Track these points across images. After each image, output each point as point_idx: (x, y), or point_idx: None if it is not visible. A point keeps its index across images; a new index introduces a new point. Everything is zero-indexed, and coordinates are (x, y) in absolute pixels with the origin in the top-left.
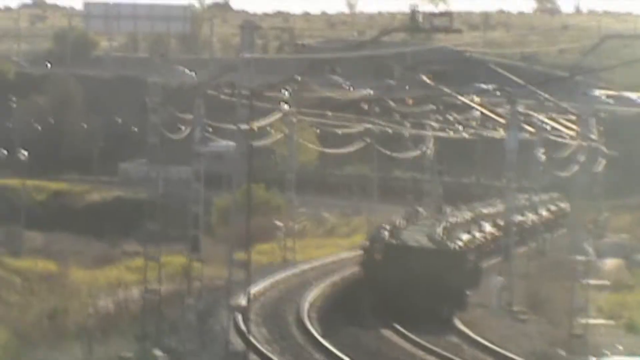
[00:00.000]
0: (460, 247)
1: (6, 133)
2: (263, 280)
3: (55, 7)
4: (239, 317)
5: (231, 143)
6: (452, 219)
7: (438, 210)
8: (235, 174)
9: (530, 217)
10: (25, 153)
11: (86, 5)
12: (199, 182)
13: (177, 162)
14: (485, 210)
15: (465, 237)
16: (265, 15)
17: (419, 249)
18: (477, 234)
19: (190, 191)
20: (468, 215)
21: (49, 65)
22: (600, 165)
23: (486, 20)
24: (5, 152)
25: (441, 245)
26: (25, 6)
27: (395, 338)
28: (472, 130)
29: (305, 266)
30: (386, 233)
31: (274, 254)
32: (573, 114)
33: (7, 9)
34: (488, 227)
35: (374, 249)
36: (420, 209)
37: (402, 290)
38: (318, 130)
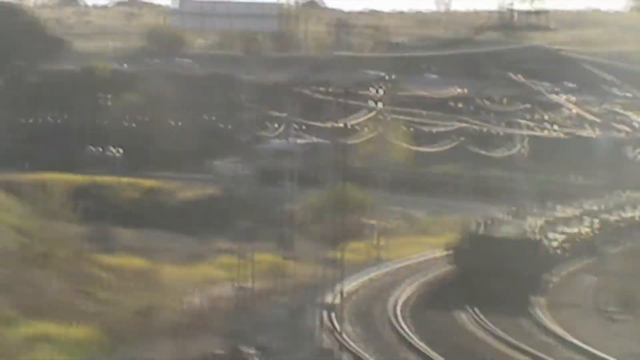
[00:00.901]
0: (544, 238)
1: (101, 130)
2: (355, 278)
3: (150, 5)
4: (331, 316)
5: (292, 140)
6: (547, 216)
7: (535, 208)
8: (329, 172)
9: (626, 215)
10: (120, 150)
11: (181, 2)
12: (292, 181)
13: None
14: (578, 209)
15: (559, 234)
16: (359, 13)
17: (504, 240)
18: (571, 231)
19: (282, 189)
20: (563, 213)
21: (144, 62)
22: None
23: (580, 19)
24: (99, 149)
25: (527, 236)
26: (119, 4)
27: (489, 339)
28: (566, 130)
29: (398, 265)
30: (478, 227)
31: (366, 253)
32: None
33: (103, 7)
34: (582, 226)
35: (465, 243)
36: (520, 207)
37: (491, 281)
38: (411, 129)
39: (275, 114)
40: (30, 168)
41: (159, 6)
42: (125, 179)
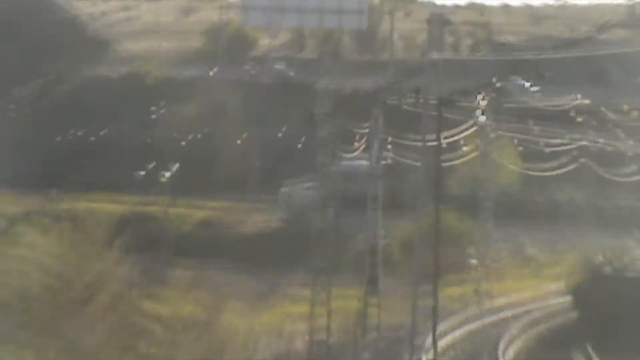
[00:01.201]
0: None
1: (148, 148)
2: (452, 329)
3: None
4: None
5: (363, 162)
6: None
7: None
8: (420, 198)
9: None
10: (167, 174)
11: None
12: (376, 209)
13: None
14: None
15: None
16: (457, 7)
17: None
18: None
19: (364, 219)
20: None
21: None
22: None
23: None
24: (146, 171)
25: None
26: None
27: None
28: None
29: (505, 313)
30: (604, 264)
31: (467, 298)
32: None
33: (154, 1)
34: None
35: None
36: None
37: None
38: (520, 147)
39: (357, 128)
40: (60, 194)
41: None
42: (176, 208)
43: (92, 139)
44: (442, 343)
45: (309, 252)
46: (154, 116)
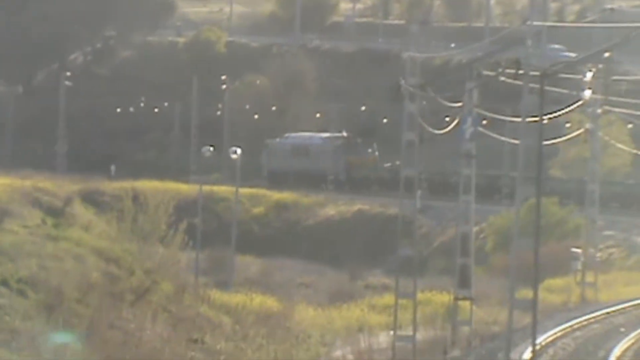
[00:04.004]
0: None
1: (214, 124)
2: (553, 326)
3: None
4: None
5: (317, 135)
6: None
7: None
8: (518, 182)
9: None
10: (238, 151)
11: None
12: (468, 193)
13: (440, 164)
14: None
15: None
16: None
17: None
18: None
19: (455, 205)
20: None
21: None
22: None
23: None
24: (211, 149)
25: None
26: None
27: None
28: None
29: (612, 309)
30: None
31: (569, 292)
32: None
33: None
34: None
35: None
36: None
37: None
38: (630, 126)
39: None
40: (118, 173)
41: None
42: (247, 189)
43: (155, 110)
44: (541, 340)
45: (396, 240)
46: (223, 87)
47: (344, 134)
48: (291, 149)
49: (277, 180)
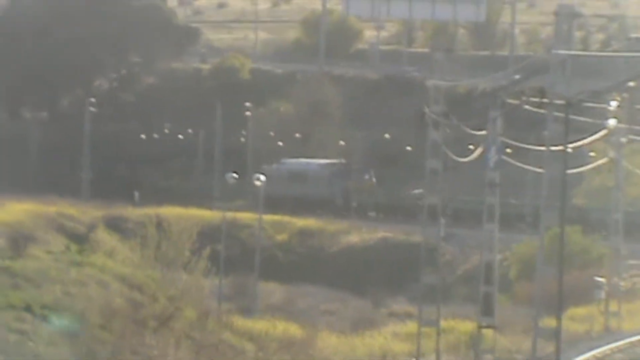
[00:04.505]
0: None
1: (238, 150)
2: (577, 355)
3: None
4: None
5: (314, 161)
6: None
7: None
8: (542, 210)
9: None
10: (262, 177)
11: None
12: (491, 222)
13: (463, 192)
14: None
15: None
16: None
17: None
18: None
19: (478, 232)
20: None
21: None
22: None
23: None
24: (235, 175)
25: None
26: None
27: None
28: None
29: (636, 338)
30: None
31: (593, 321)
32: None
33: None
34: None
35: None
36: None
37: None
38: None
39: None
40: (142, 200)
41: None
42: (270, 216)
43: (180, 137)
44: None
45: (419, 268)
46: (247, 113)
47: (342, 160)
48: (288, 174)
49: (273, 206)
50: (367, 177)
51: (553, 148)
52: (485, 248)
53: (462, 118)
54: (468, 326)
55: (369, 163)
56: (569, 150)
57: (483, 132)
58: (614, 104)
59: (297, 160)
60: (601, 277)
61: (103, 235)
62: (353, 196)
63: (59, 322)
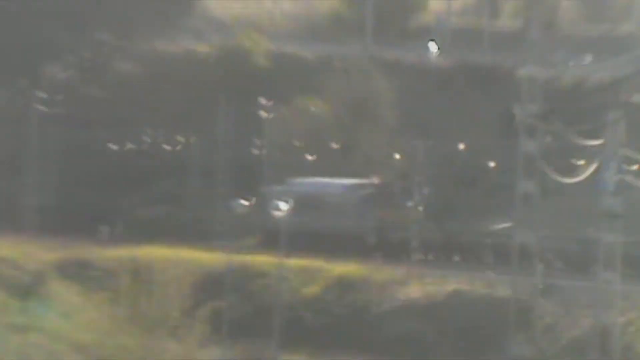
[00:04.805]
0: None
1: (250, 166)
2: None
3: None
4: None
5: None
6: None
7: None
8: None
9: None
10: (283, 206)
11: None
12: (614, 270)
13: (569, 226)
14: None
15: None
16: None
17: None
18: None
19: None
20: None
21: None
22: None
23: None
24: (245, 202)
25: None
26: None
27: None
28: None
29: None
30: None
31: None
32: None
33: None
34: None
35: None
36: None
37: None
38: None
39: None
40: (113, 237)
41: None
42: (296, 260)
43: (167, 148)
44: None
45: (504, 333)
46: (263, 114)
47: (375, 180)
48: (298, 200)
49: (273, 243)
50: (410, 204)
51: None
52: (601, 306)
53: (568, 122)
54: None
55: (426, 183)
56: None
57: (598, 142)
58: None
59: (312, 180)
60: None
61: (57, 288)
62: (389, 231)
63: None
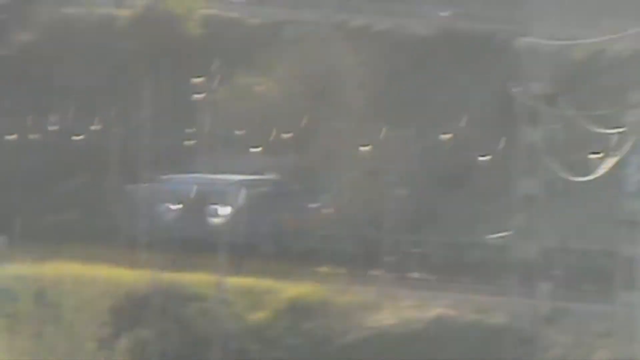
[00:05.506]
0: None
1: (179, 160)
2: None
3: None
4: None
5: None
6: None
7: None
8: None
9: None
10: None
11: None
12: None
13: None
14: None
15: None
16: None
17: None
18: None
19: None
20: None
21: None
22: None
23: None
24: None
25: None
26: None
27: None
28: None
29: None
30: None
31: None
32: None
33: None
34: None
35: None
36: None
37: None
38: None
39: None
40: (12, 249)
41: None
42: (238, 278)
43: (77, 137)
44: None
45: None
46: (197, 95)
47: (272, 176)
48: (172, 200)
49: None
50: (314, 205)
51: None
52: (622, 336)
53: (580, 104)
54: None
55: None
56: None
57: (618, 130)
58: None
59: (194, 176)
60: None
61: None
62: (292, 236)
63: None
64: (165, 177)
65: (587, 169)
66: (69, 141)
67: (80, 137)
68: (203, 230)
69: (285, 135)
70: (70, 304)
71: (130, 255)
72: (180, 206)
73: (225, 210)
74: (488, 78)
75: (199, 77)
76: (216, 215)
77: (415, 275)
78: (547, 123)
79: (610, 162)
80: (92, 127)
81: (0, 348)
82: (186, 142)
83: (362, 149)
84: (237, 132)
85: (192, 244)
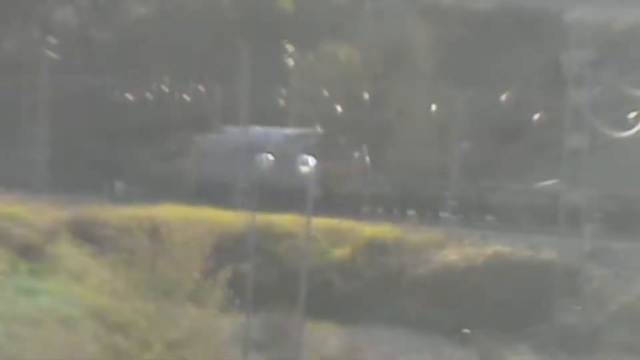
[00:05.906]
0: None
1: (275, 118)
2: None
3: None
4: None
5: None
6: None
7: None
8: None
9: None
10: (311, 161)
11: None
12: None
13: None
14: None
15: None
16: None
17: None
18: None
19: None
20: None
21: None
22: None
23: None
24: (270, 157)
25: None
26: None
27: None
28: None
29: None
30: None
31: None
32: None
33: None
34: None
35: None
36: None
37: None
38: None
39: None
40: (128, 194)
41: None
42: (324, 219)
43: (185, 97)
44: None
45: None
46: (289, 61)
47: (318, 129)
48: (231, 150)
49: (207, 197)
50: (356, 154)
51: None
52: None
53: (622, 70)
54: None
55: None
56: None
57: None
58: None
59: (250, 129)
60: None
61: (68, 248)
62: (337, 184)
63: None
64: (226, 129)
65: (626, 125)
66: (178, 100)
67: (186, 96)
68: (294, 177)
69: (366, 96)
70: (178, 240)
71: (231, 199)
72: (272, 158)
73: (313, 161)
74: (540, 47)
75: (289, 44)
76: (307, 164)
77: (476, 217)
78: (592, 86)
79: None
80: (198, 88)
81: (119, 278)
82: (280, 102)
83: (431, 107)
84: (324, 92)
85: (284, 189)
